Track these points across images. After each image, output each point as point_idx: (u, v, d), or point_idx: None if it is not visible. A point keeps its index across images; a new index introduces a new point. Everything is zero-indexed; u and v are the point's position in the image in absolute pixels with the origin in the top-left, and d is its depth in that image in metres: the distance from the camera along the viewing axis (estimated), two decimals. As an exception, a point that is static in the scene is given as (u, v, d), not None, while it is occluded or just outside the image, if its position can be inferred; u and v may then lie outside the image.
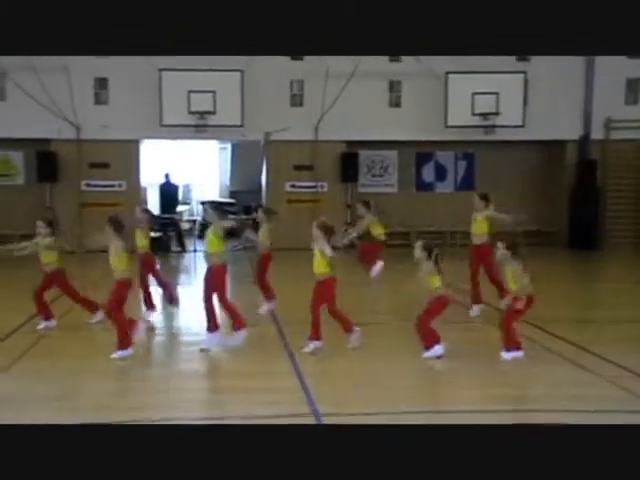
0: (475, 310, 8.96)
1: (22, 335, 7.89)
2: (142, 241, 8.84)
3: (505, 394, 5.97)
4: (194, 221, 18.87)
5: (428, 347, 6.88)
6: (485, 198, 9.02)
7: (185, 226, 18.06)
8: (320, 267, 6.94)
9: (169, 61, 15.38)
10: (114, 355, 6.86)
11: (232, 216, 9.89)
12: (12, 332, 7.95)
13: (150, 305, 8.99)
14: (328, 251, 6.86)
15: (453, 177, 18.01)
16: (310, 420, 5.12)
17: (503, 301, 6.97)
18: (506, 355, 6.82)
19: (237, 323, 7.37)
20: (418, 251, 6.87)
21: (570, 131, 17.10)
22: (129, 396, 5.90)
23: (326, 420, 5.11)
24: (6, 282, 11.13)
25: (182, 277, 13.46)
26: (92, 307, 8.41)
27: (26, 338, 7.71)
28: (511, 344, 6.82)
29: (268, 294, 9.06)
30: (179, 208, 18.44)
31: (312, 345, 7.09)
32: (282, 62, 16.26)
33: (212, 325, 7.44)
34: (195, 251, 16.53)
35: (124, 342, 6.91)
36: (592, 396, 5.78)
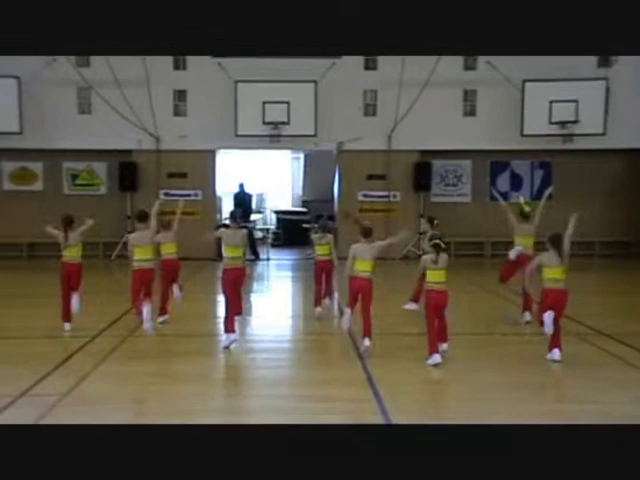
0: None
1: (105, 338, 8.21)
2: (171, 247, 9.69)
3: (589, 410, 5.77)
4: (267, 229, 19.15)
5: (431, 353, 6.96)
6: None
7: (258, 234, 18.34)
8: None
9: (245, 73, 15.75)
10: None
11: (305, 225, 10.31)
12: (96, 335, 8.28)
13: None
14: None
15: (529, 186, 17.60)
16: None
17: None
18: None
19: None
20: (426, 241, 7.32)
21: (655, 138, 16.44)
22: (201, 401, 6.01)
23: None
24: (93, 288, 11.60)
25: (255, 285, 13.65)
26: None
27: (109, 341, 8.01)
28: None
29: (316, 299, 9.59)
30: (253, 217, 18.76)
31: None
32: (355, 72, 16.37)
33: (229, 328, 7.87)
34: (268, 259, 16.77)
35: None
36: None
